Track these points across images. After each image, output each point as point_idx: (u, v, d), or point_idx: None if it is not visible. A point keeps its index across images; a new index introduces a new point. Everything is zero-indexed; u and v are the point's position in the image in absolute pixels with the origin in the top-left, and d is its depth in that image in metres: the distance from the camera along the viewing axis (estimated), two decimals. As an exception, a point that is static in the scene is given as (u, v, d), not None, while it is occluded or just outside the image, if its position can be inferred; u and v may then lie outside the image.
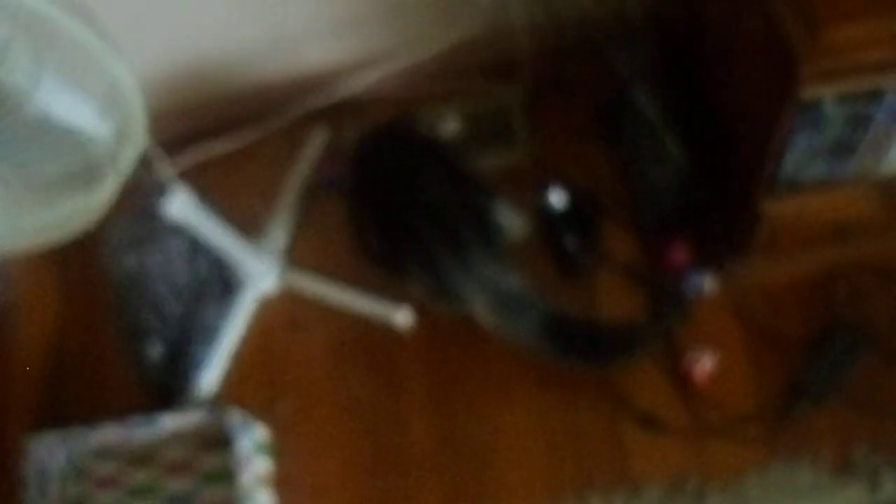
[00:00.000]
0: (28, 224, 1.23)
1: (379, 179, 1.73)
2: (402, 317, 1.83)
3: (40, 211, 1.23)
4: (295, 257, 1.92)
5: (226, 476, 1.79)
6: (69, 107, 1.18)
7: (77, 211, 1.24)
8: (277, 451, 1.81)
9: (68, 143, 1.16)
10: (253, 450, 1.72)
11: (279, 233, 1.91)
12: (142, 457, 1.89)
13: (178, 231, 1.72)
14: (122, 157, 1.22)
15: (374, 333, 1.87)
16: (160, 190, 1.57)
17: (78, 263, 1.95)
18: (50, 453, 1.87)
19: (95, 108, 1.18)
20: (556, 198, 1.84)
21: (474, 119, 1.97)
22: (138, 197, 1.50)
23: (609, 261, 1.85)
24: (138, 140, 1.23)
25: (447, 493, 1.75)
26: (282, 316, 1.89)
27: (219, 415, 1.74)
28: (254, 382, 1.85)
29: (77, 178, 1.24)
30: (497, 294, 1.59)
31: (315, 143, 2.00)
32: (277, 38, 1.85)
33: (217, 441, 1.83)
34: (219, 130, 1.96)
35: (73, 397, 1.98)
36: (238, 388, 1.86)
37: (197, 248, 1.78)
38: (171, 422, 1.78)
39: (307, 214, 1.96)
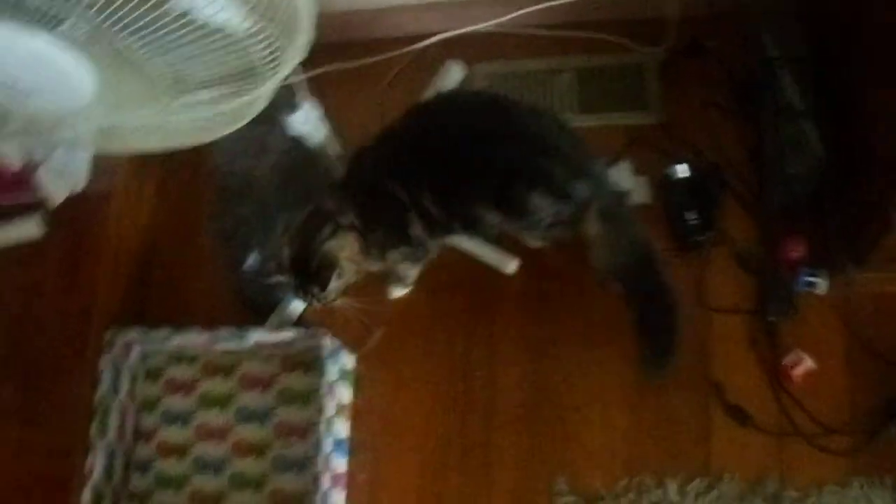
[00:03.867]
0: (182, 124, 1.31)
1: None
2: (512, 267, 1.92)
3: (194, 111, 1.31)
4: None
5: (303, 398, 1.96)
6: (221, 5, 1.22)
7: (231, 112, 1.32)
8: (360, 382, 1.94)
9: (225, 44, 1.23)
10: (339, 377, 1.85)
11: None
12: (221, 367, 2.04)
13: (296, 144, 1.82)
14: (283, 60, 1.28)
15: (477, 281, 1.98)
16: (288, 101, 1.65)
17: (180, 162, 2.04)
18: (127, 349, 2.03)
19: (252, 10, 1.21)
20: (682, 168, 1.90)
21: (605, 74, 2.04)
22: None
23: (724, 241, 1.89)
24: (300, 45, 1.29)
25: (526, 446, 1.89)
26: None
27: (312, 337, 1.86)
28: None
29: (232, 79, 1.31)
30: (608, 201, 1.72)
31: (447, 73, 2.09)
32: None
33: (301, 363, 1.97)
34: (350, 47, 2.03)
35: (159, 298, 2.11)
36: (328, 314, 1.92)
37: (311, 163, 1.86)
38: (260, 337, 1.90)
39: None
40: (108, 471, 1.95)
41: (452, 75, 2.09)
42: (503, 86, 2.12)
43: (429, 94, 2.06)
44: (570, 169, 1.68)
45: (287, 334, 1.87)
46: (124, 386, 2.02)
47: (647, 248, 1.74)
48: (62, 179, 2.12)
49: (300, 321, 1.92)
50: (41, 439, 2.06)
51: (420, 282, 1.97)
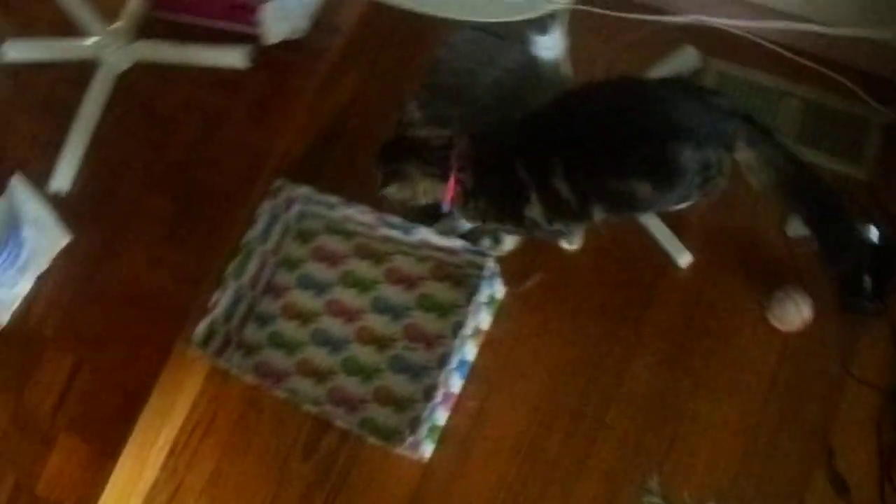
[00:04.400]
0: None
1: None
2: (685, 261, 1.95)
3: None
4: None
5: (442, 310, 2.00)
6: None
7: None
8: (502, 315, 1.97)
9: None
10: (486, 302, 1.89)
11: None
12: (373, 252, 2.10)
13: (530, 66, 1.85)
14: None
15: (648, 261, 2.01)
16: (541, 23, 1.68)
17: (399, 42, 2.07)
18: (289, 204, 2.08)
19: None
20: (873, 231, 1.91)
21: (830, 114, 2.05)
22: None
23: (888, 317, 1.92)
24: None
25: (633, 435, 1.91)
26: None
27: (477, 254, 1.89)
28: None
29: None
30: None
31: (681, 56, 2.13)
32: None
33: (451, 276, 2.02)
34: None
35: (338, 166, 2.16)
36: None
37: (537, 90, 1.90)
38: (426, 236, 1.94)
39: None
40: (229, 312, 2.01)
41: (686, 60, 2.11)
42: (730, 87, 2.12)
43: (657, 70, 2.07)
44: (706, 116, 1.68)
45: (455, 242, 1.89)
46: (274, 237, 2.07)
47: (804, 164, 1.71)
48: (285, 21, 2.16)
49: (464, 236, 1.93)
50: (178, 259, 2.15)
51: (591, 243, 1.99)
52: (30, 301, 2.25)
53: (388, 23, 2.26)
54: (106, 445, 2.02)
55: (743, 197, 1.93)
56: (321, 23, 2.23)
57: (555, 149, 1.70)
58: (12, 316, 2.23)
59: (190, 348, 1.95)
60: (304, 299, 2.07)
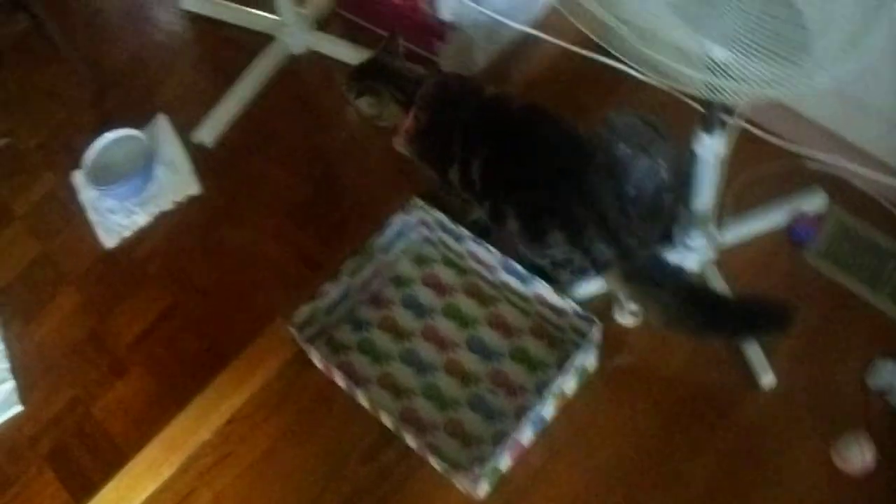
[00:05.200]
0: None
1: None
2: (768, 382, 2.00)
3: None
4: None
5: (532, 365, 2.07)
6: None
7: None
8: (586, 386, 2.03)
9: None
10: (577, 370, 1.97)
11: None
12: (481, 294, 2.18)
13: (676, 160, 1.97)
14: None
15: (727, 371, 2.03)
16: (707, 123, 1.78)
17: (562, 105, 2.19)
18: (418, 224, 2.18)
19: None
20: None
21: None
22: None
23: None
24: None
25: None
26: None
27: (586, 321, 1.96)
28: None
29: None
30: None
31: (808, 195, 2.19)
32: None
33: (549, 335, 2.10)
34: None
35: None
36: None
37: (676, 186, 2.01)
38: (542, 292, 2.00)
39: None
40: (332, 306, 2.08)
41: (813, 201, 2.18)
42: (842, 237, 2.17)
43: (785, 205, 2.15)
44: (604, 230, 1.79)
45: (567, 303, 1.96)
46: (394, 251, 2.17)
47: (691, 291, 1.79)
48: (466, 56, 2.27)
49: (581, 302, 1.99)
50: (301, 240, 2.27)
51: (685, 341, 2.04)
52: (143, 234, 2.36)
53: (557, 86, 2.36)
54: (176, 392, 2.09)
55: (836, 335, 2.01)
56: (494, 67, 2.34)
57: (486, 143, 1.86)
58: (121, 241, 2.32)
59: (284, 327, 2.01)
60: (404, 317, 2.14)
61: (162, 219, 2.36)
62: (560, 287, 1.97)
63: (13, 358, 2.26)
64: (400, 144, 2.01)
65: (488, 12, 2.16)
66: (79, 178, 2.47)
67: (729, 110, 1.69)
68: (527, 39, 2.25)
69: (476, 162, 1.87)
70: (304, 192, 2.31)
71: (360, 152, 2.34)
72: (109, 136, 2.43)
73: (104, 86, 2.73)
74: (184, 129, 2.49)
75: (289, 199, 2.31)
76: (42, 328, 2.31)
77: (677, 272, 1.84)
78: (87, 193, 2.43)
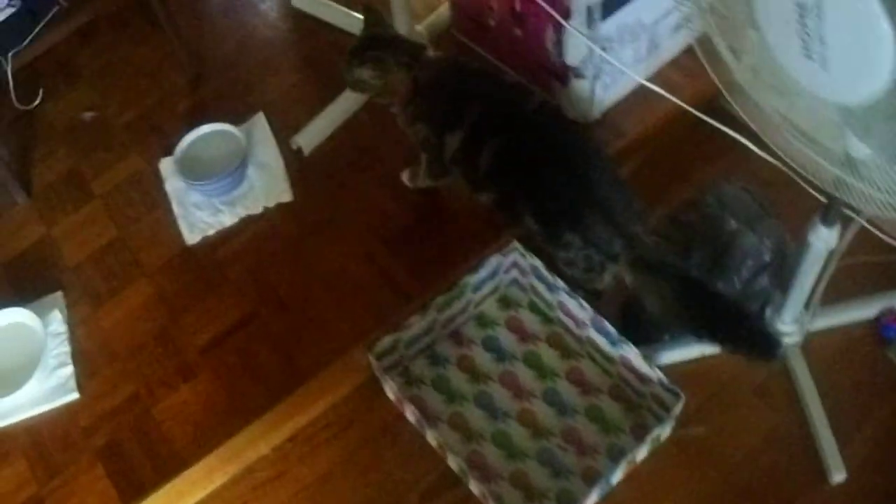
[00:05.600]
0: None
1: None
2: (839, 478, 1.95)
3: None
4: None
5: (606, 425, 2.04)
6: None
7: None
8: (657, 452, 2.00)
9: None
10: (652, 438, 1.93)
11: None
12: (565, 347, 2.15)
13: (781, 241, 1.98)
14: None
15: (799, 460, 1.99)
16: (827, 216, 1.73)
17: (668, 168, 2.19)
18: (512, 266, 2.16)
19: None
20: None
21: None
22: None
23: None
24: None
25: None
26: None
27: (671, 393, 1.93)
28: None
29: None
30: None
31: None
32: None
33: (627, 398, 2.07)
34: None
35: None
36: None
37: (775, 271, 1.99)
38: (628, 354, 1.98)
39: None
40: (414, 338, 2.07)
41: None
42: None
43: (878, 299, 2.12)
44: (611, 223, 1.82)
45: (654, 372, 1.93)
46: (484, 290, 2.14)
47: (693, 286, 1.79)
48: (585, 103, 2.24)
49: (663, 367, 1.97)
50: (393, 267, 2.24)
51: (762, 423, 2.03)
52: (227, 235, 2.33)
53: (668, 143, 2.34)
54: (242, 404, 2.06)
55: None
56: (608, 119, 2.30)
57: (494, 133, 1.90)
58: (204, 239, 2.29)
59: (363, 353, 1.99)
60: (483, 359, 2.12)
61: (249, 222, 2.33)
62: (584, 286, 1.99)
63: (75, 342, 2.23)
64: (395, 109, 2.05)
65: (616, 63, 2.11)
66: (167, 166, 2.44)
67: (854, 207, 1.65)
68: (644, 93, 2.19)
69: (487, 151, 1.90)
70: (404, 219, 2.26)
71: (458, 198, 2.28)
72: (205, 129, 2.40)
73: (202, 73, 2.69)
74: (281, 132, 2.45)
75: (386, 223, 2.26)
76: (110, 316, 2.28)
77: (677, 263, 1.84)
78: (174, 184, 2.40)
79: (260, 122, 2.46)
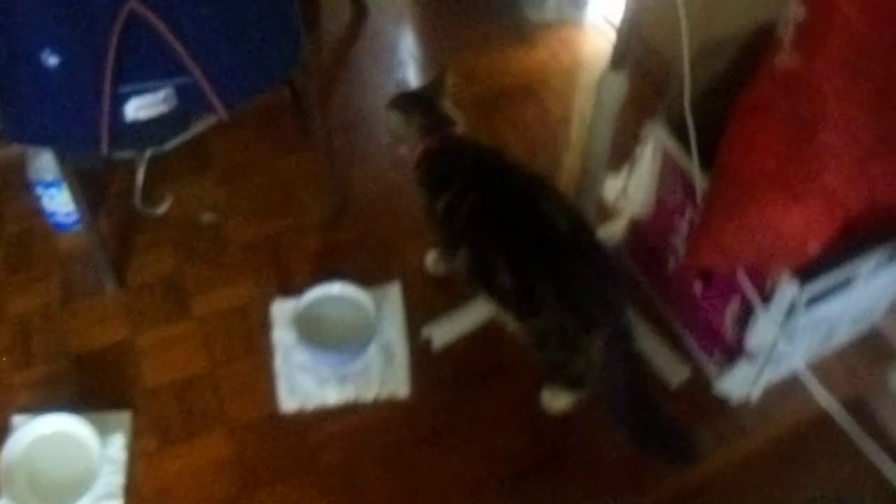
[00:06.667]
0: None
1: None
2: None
3: None
4: None
5: None
6: None
7: None
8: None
9: None
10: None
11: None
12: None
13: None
14: None
15: None
16: None
17: None
18: None
19: None
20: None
21: None
22: None
23: None
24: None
25: None
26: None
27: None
28: None
29: None
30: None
31: None
32: None
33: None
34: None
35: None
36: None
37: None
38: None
39: None
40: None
41: None
42: None
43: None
44: (592, 289, 1.85)
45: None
46: None
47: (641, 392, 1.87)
48: (751, 387, 2.05)
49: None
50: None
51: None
52: (326, 414, 2.13)
53: (799, 443, 2.14)
54: None
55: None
56: (763, 401, 2.14)
57: (476, 189, 1.95)
58: (300, 410, 2.09)
59: None
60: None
61: (354, 408, 2.10)
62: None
63: (131, 475, 2.01)
64: (415, 180, 2.09)
65: (796, 355, 2.01)
66: (281, 310, 2.23)
67: None
68: (795, 384, 2.07)
69: (465, 204, 1.93)
70: (523, 460, 2.03)
71: (595, 435, 2.06)
72: (337, 289, 2.18)
73: (343, 211, 2.48)
74: (412, 311, 2.23)
75: (502, 457, 2.03)
76: (176, 461, 2.06)
77: (632, 354, 1.90)
78: (284, 334, 2.18)
79: (394, 293, 2.26)
